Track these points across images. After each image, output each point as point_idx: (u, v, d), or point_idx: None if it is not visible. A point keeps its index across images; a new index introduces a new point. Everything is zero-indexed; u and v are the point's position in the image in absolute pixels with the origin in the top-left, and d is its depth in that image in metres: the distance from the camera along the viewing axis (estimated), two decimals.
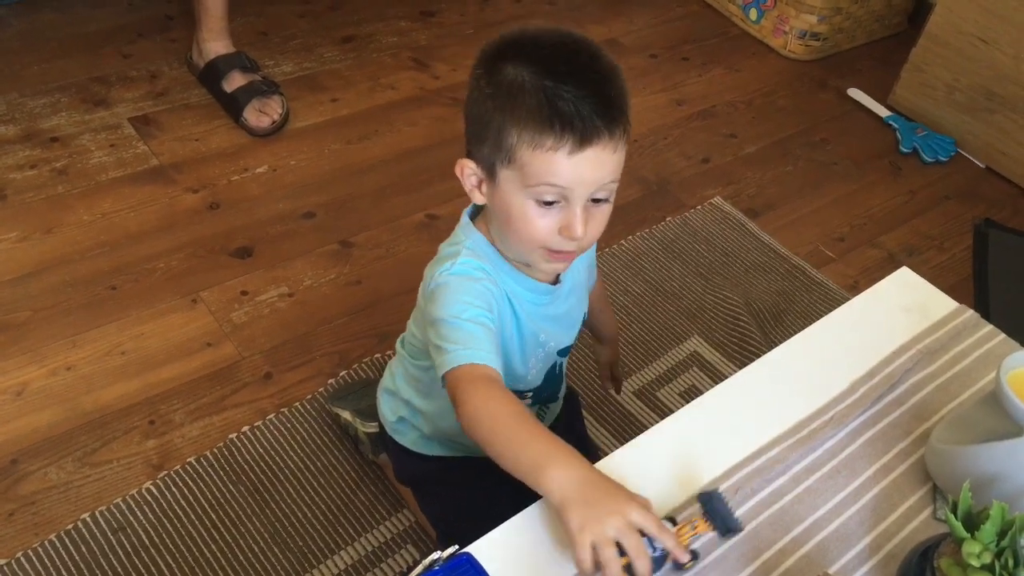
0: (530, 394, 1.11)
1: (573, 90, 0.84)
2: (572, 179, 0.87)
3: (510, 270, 0.98)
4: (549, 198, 0.88)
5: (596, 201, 0.90)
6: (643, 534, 0.74)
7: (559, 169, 0.86)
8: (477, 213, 1.01)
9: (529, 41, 0.88)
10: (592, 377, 1.62)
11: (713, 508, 0.82)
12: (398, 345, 1.19)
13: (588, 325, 1.16)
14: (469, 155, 0.93)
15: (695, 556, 0.80)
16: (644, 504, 0.76)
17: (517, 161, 0.87)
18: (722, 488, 0.87)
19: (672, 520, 0.81)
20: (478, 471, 0.96)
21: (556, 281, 1.03)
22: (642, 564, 0.73)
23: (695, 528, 0.80)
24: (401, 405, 1.19)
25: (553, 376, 1.12)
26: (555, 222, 0.89)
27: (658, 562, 0.77)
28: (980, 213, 2.15)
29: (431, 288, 0.95)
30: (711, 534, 0.82)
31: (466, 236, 0.98)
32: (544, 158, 0.85)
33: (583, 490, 0.75)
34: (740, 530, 0.83)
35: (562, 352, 1.10)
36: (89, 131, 1.94)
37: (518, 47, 0.88)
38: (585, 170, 0.86)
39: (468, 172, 0.93)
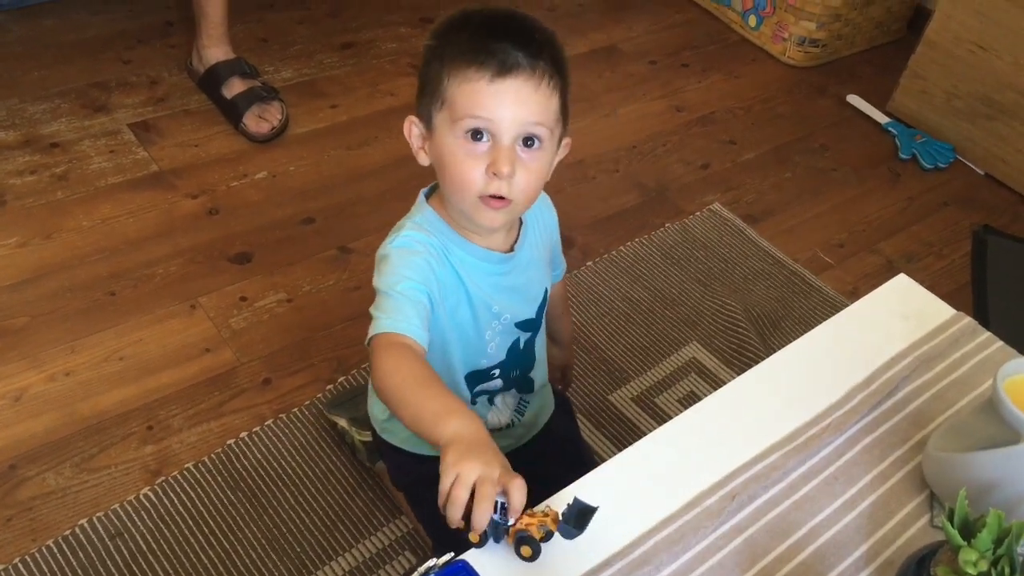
0: (496, 372, 1.11)
1: (500, 32, 0.90)
2: (493, 110, 0.90)
3: (462, 241, 1.01)
4: (475, 126, 0.91)
5: (528, 145, 0.93)
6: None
7: (481, 99, 0.90)
8: (432, 192, 1.04)
9: (474, 12, 0.94)
10: (589, 383, 1.62)
11: (572, 510, 0.79)
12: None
13: (546, 326, 1.17)
14: (416, 112, 0.98)
15: (536, 548, 0.78)
16: (515, 475, 0.77)
17: (448, 100, 0.92)
18: (711, 500, 0.87)
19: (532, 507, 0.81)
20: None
21: (510, 250, 1.05)
22: (481, 510, 0.75)
23: (545, 515, 0.79)
24: None
25: (518, 352, 1.12)
26: (483, 162, 0.92)
27: (496, 528, 0.78)
28: (979, 220, 2.15)
29: (377, 260, 0.99)
30: (553, 529, 0.79)
31: (418, 212, 1.03)
32: (468, 89, 0.90)
33: (472, 441, 0.79)
34: (579, 533, 0.79)
35: (522, 326, 1.10)
36: (89, 137, 1.94)
37: (464, 17, 0.94)
38: (506, 101, 0.90)
39: (414, 131, 0.98)
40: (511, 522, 0.77)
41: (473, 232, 1.01)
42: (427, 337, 0.93)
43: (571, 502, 0.79)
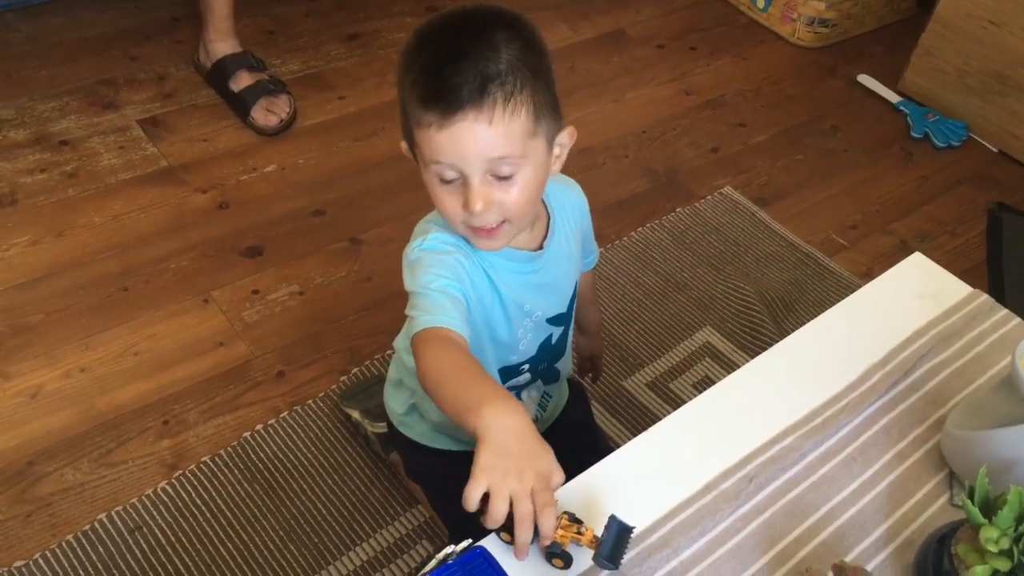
0: (526, 366, 1.10)
1: (445, 64, 0.84)
2: (451, 154, 0.86)
3: None
4: (446, 175, 0.89)
5: (500, 179, 0.89)
6: None
7: (436, 145, 0.86)
8: None
9: (439, 19, 0.89)
10: (605, 369, 1.62)
11: (610, 534, 0.76)
12: (395, 343, 1.21)
13: (575, 315, 1.15)
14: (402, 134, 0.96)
15: (567, 560, 0.77)
16: (553, 477, 0.75)
17: (415, 140, 0.89)
18: (728, 483, 0.87)
19: (573, 516, 0.78)
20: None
21: (540, 247, 1.03)
22: (523, 533, 0.73)
23: (580, 534, 0.76)
24: (409, 394, 1.19)
25: (549, 347, 1.11)
26: (459, 199, 0.90)
27: (535, 532, 0.75)
28: (993, 197, 2.13)
29: (406, 264, 0.97)
30: (588, 552, 0.76)
31: (439, 214, 1.00)
32: (425, 135, 0.87)
33: (506, 437, 0.75)
34: (614, 567, 0.76)
35: (554, 321, 1.09)
36: (98, 134, 1.94)
37: (429, 26, 0.89)
38: (458, 144, 0.86)
39: (406, 151, 0.96)
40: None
41: None
42: (468, 331, 0.91)
43: (607, 522, 0.77)
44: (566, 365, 1.19)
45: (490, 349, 1.04)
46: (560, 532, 0.75)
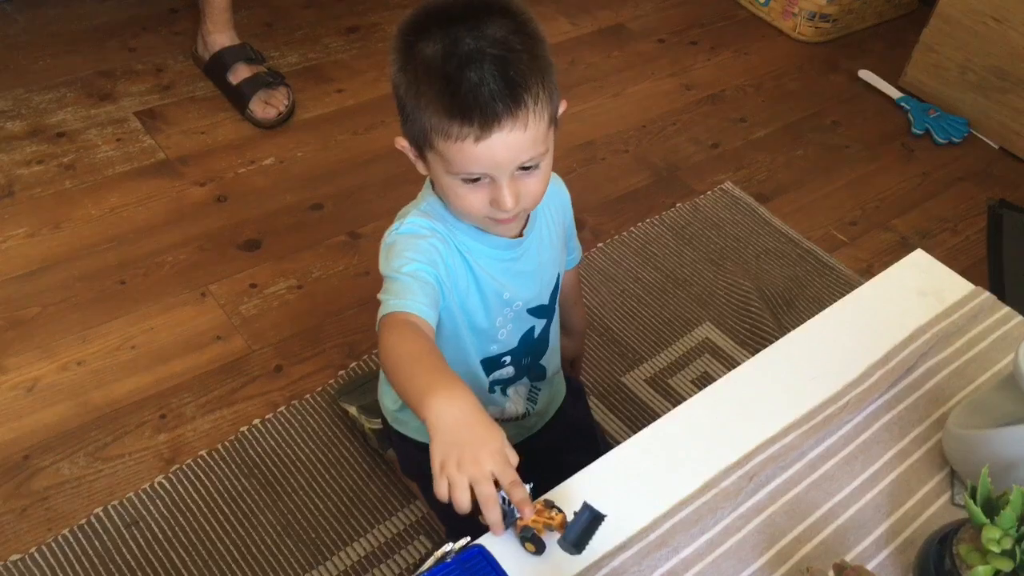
0: (508, 359, 1.10)
1: (473, 75, 0.83)
2: (487, 164, 0.87)
3: (467, 228, 0.99)
4: (470, 178, 0.89)
5: (525, 169, 0.90)
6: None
7: (470, 157, 0.86)
8: None
9: (437, 14, 0.86)
10: (602, 364, 1.61)
11: (580, 519, 0.77)
12: None
13: (559, 315, 1.15)
14: (402, 133, 0.94)
15: (539, 545, 0.77)
16: (506, 455, 0.76)
17: (435, 148, 0.88)
18: (727, 482, 0.86)
19: (550, 503, 0.79)
20: None
21: (520, 235, 1.03)
22: (491, 513, 0.74)
23: (552, 519, 0.77)
24: None
25: (532, 340, 1.11)
26: (485, 195, 0.90)
27: (506, 516, 0.76)
28: (994, 194, 2.12)
29: (383, 248, 0.97)
30: (556, 535, 0.77)
31: (423, 199, 1.01)
32: (455, 148, 0.86)
33: (454, 426, 0.76)
34: (577, 552, 0.76)
35: (535, 312, 1.09)
36: (95, 126, 1.93)
37: (425, 20, 0.87)
38: (496, 154, 0.86)
39: (406, 148, 0.95)
40: (518, 515, 0.76)
41: None
42: (435, 316, 0.91)
43: (579, 509, 0.77)
44: (553, 362, 1.18)
45: (468, 337, 1.04)
46: (533, 517, 0.76)
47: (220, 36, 2.02)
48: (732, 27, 2.56)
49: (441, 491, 0.74)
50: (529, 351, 1.13)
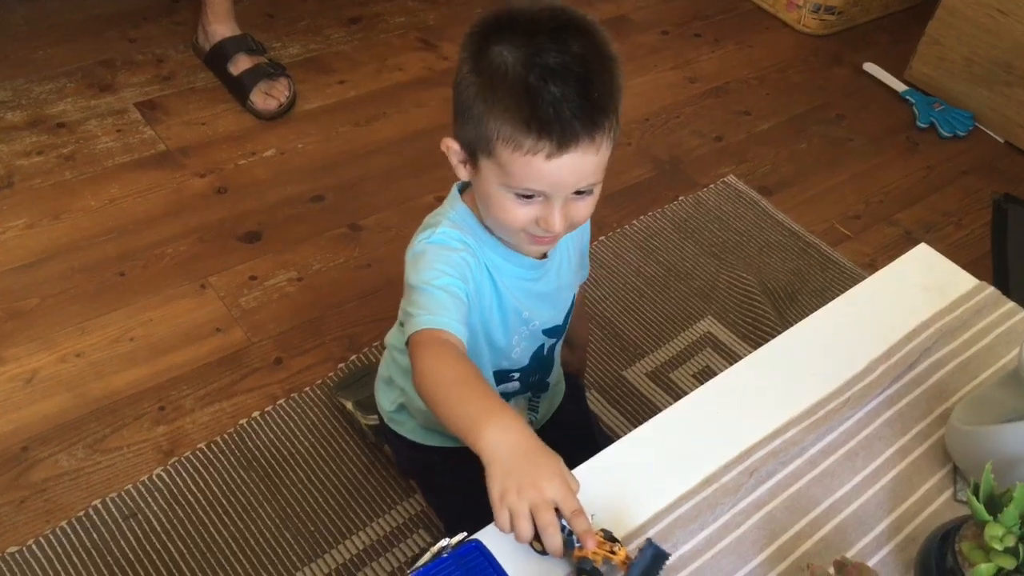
0: (517, 375, 1.10)
1: (556, 89, 0.81)
2: (550, 183, 0.85)
3: (495, 244, 0.97)
4: (529, 194, 0.87)
5: (579, 193, 0.89)
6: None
7: (536, 173, 0.84)
8: (467, 186, 0.99)
9: (519, 20, 0.84)
10: (603, 358, 1.60)
11: (644, 557, 0.74)
12: (387, 339, 1.20)
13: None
14: (455, 134, 0.92)
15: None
16: (567, 482, 0.74)
17: (496, 156, 0.85)
18: (728, 477, 0.85)
19: (609, 534, 0.76)
20: (480, 461, 0.95)
21: (544, 256, 1.02)
22: (550, 540, 0.72)
23: (614, 553, 0.74)
24: (398, 393, 1.17)
25: (541, 357, 1.10)
26: (533, 213, 0.88)
27: (569, 543, 0.74)
28: (999, 188, 2.11)
29: (410, 256, 0.95)
30: (619, 572, 0.75)
31: (451, 208, 0.98)
32: (522, 161, 0.83)
33: (511, 456, 0.74)
34: None
35: (549, 332, 1.08)
36: (95, 116, 1.92)
37: (506, 26, 0.84)
38: (564, 174, 0.84)
39: (453, 151, 0.92)
40: (577, 544, 0.74)
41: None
42: (467, 334, 0.89)
43: (644, 545, 0.75)
44: (555, 375, 1.18)
45: (485, 352, 1.03)
46: (594, 549, 0.73)
47: (221, 26, 2.01)
48: (736, 19, 2.55)
49: (503, 523, 0.73)
50: (538, 369, 1.12)
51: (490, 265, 0.97)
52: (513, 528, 0.73)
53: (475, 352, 1.01)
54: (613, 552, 0.74)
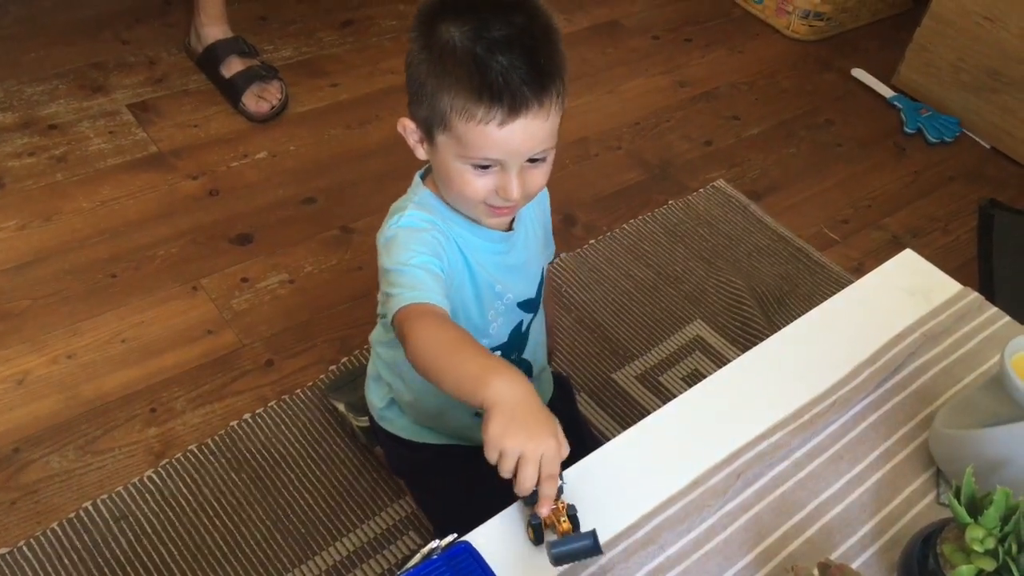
0: (497, 353, 1.10)
1: (503, 58, 0.84)
2: (504, 150, 0.88)
3: (462, 221, 0.99)
4: (484, 163, 0.90)
5: (533, 161, 0.91)
6: None
7: (490, 141, 0.87)
8: (428, 173, 1.02)
9: (463, 0, 0.87)
10: (592, 361, 1.61)
11: (576, 541, 0.77)
12: (370, 337, 1.21)
13: None
14: (410, 113, 0.94)
15: (539, 537, 0.78)
16: (559, 445, 0.76)
17: (451, 129, 0.88)
18: (715, 479, 0.87)
19: (572, 509, 0.79)
20: (471, 460, 0.95)
21: (510, 228, 1.04)
22: (522, 485, 0.75)
23: (560, 523, 0.78)
24: (387, 389, 1.18)
25: (519, 334, 1.12)
26: (491, 183, 0.91)
27: (532, 497, 0.77)
28: (985, 194, 2.13)
29: (382, 243, 0.97)
30: (553, 538, 0.78)
31: (415, 193, 1.01)
32: (476, 130, 0.86)
33: (517, 406, 0.76)
34: (553, 565, 0.77)
35: (524, 306, 1.10)
36: (87, 118, 1.93)
37: (451, 6, 0.87)
38: (517, 140, 0.87)
39: (410, 130, 0.95)
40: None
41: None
42: (449, 307, 0.91)
43: (586, 531, 0.77)
44: (539, 358, 1.19)
45: (468, 324, 1.04)
46: (551, 514, 0.77)
47: (213, 29, 2.02)
48: (726, 24, 2.56)
49: (491, 456, 0.75)
50: (518, 345, 1.13)
51: (460, 241, 0.99)
52: (499, 465, 0.75)
53: (461, 324, 1.03)
54: (560, 522, 0.77)
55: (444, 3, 0.88)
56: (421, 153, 0.96)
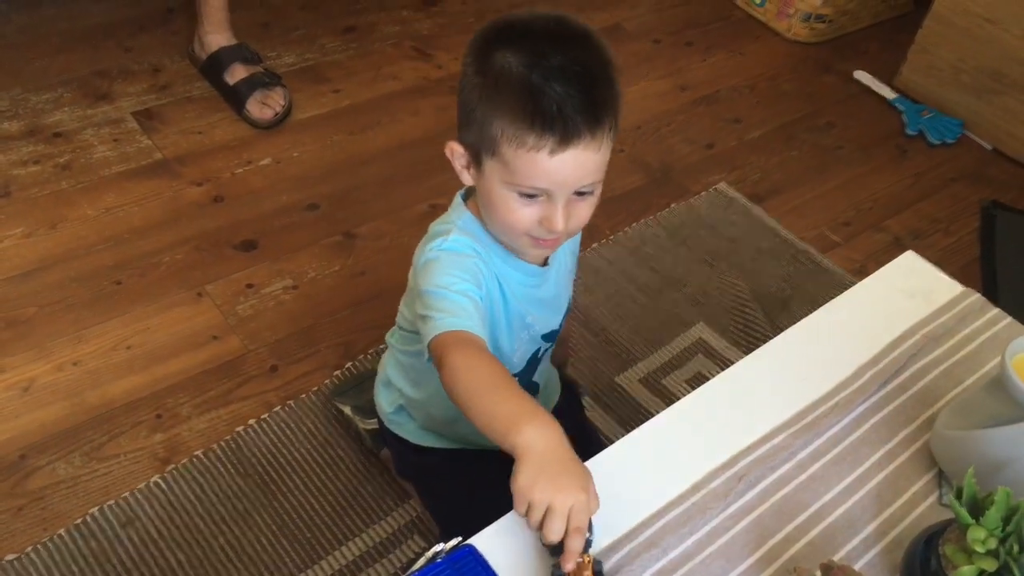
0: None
1: (559, 87, 0.83)
2: (553, 180, 0.87)
3: (500, 251, 0.99)
4: (532, 192, 0.88)
5: (580, 194, 0.90)
6: None
7: (540, 170, 0.86)
8: (470, 195, 1.01)
9: (520, 26, 0.87)
10: (596, 364, 1.62)
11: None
12: (388, 337, 1.21)
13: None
14: (459, 138, 0.94)
15: None
16: (589, 499, 0.75)
17: (500, 155, 0.87)
18: (717, 482, 0.87)
19: (598, 565, 0.78)
20: (478, 464, 0.96)
21: (545, 263, 1.04)
22: (548, 538, 0.74)
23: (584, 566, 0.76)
24: (397, 395, 1.19)
25: (535, 361, 1.12)
26: (536, 213, 0.90)
27: (555, 551, 0.76)
28: (987, 195, 2.13)
29: (421, 263, 0.96)
30: None
31: (458, 216, 1.00)
32: (526, 158, 0.85)
33: (547, 457, 0.75)
34: None
35: (547, 336, 1.10)
36: (92, 126, 1.94)
37: (509, 32, 0.87)
38: (566, 170, 0.86)
39: (457, 154, 0.94)
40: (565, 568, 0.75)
41: (513, 247, 0.99)
42: (488, 337, 0.90)
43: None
44: (543, 376, 1.19)
45: (497, 351, 1.04)
46: (576, 568, 0.75)
47: (217, 36, 2.03)
48: (727, 28, 2.57)
49: (519, 507, 0.74)
50: (530, 371, 1.13)
51: (499, 273, 0.98)
52: (527, 517, 0.74)
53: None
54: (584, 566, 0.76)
55: (501, 30, 0.88)
56: (467, 178, 0.95)
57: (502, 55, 0.85)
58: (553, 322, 1.10)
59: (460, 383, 0.84)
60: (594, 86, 0.85)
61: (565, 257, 1.08)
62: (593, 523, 0.77)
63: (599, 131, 0.86)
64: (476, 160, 0.91)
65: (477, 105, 0.88)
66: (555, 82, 0.83)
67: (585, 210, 0.92)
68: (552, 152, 0.84)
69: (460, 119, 0.92)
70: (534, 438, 0.76)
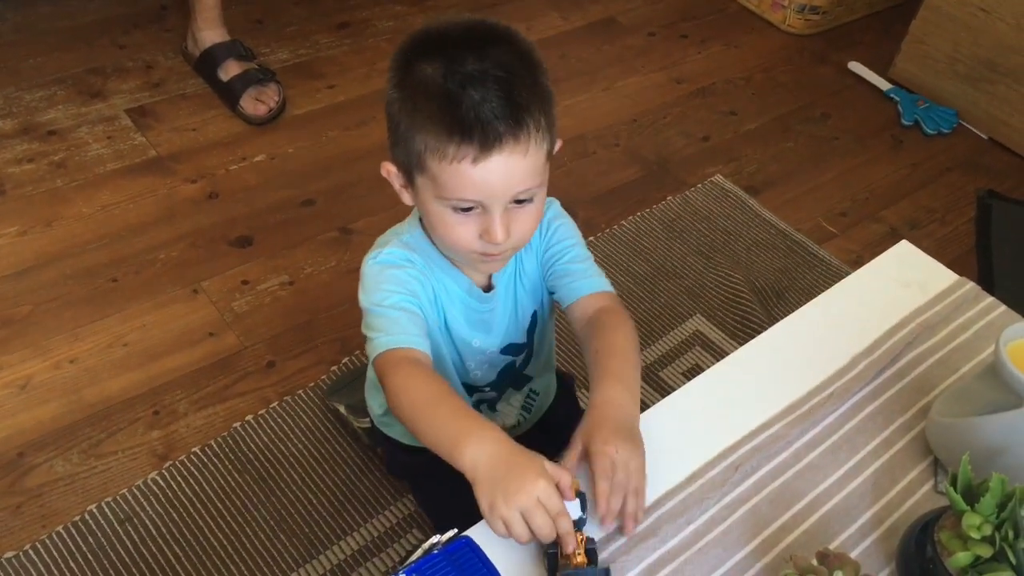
0: (488, 388, 1.10)
1: (475, 93, 0.80)
2: (482, 190, 0.83)
3: (446, 265, 0.96)
4: (464, 205, 0.85)
5: (519, 202, 0.87)
6: None
7: (466, 181, 0.82)
8: None
9: (437, 35, 0.84)
10: None
11: (587, 573, 0.77)
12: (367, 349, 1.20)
13: (581, 348, 1.04)
14: (391, 157, 0.91)
15: (552, 570, 0.78)
16: (551, 482, 0.75)
17: (427, 170, 0.84)
18: (714, 471, 0.88)
19: (591, 545, 0.78)
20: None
21: (489, 288, 1.00)
22: (543, 536, 0.75)
23: (577, 557, 0.76)
24: (384, 397, 1.18)
25: (512, 371, 1.09)
26: (475, 227, 0.87)
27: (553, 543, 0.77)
28: (983, 184, 2.13)
29: (361, 276, 0.96)
30: (568, 570, 0.76)
31: (407, 231, 0.98)
32: (450, 170, 0.82)
33: (493, 467, 0.76)
34: None
35: (510, 350, 1.06)
36: (86, 123, 1.93)
37: (425, 43, 0.84)
38: (494, 179, 0.82)
39: (393, 175, 0.91)
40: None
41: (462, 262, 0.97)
42: (429, 346, 0.89)
43: (597, 568, 0.77)
44: (536, 368, 1.15)
45: (441, 369, 1.02)
46: (568, 553, 0.76)
47: (210, 33, 2.02)
48: (722, 20, 2.57)
49: (498, 530, 0.74)
50: (511, 381, 1.12)
51: (438, 285, 0.96)
52: (511, 535, 0.74)
53: (438, 367, 0.99)
54: (575, 555, 0.76)
55: (419, 42, 0.85)
56: (407, 198, 0.92)
57: (420, 67, 0.83)
58: (511, 338, 1.05)
59: (400, 407, 0.84)
60: (514, 86, 0.81)
61: (521, 273, 1.02)
62: (586, 498, 0.79)
63: (522, 134, 0.82)
64: (409, 178, 0.88)
65: (400, 120, 0.85)
66: (471, 88, 0.80)
67: (527, 219, 0.88)
68: (475, 161, 0.81)
69: (389, 138, 0.89)
70: (476, 455, 0.76)
